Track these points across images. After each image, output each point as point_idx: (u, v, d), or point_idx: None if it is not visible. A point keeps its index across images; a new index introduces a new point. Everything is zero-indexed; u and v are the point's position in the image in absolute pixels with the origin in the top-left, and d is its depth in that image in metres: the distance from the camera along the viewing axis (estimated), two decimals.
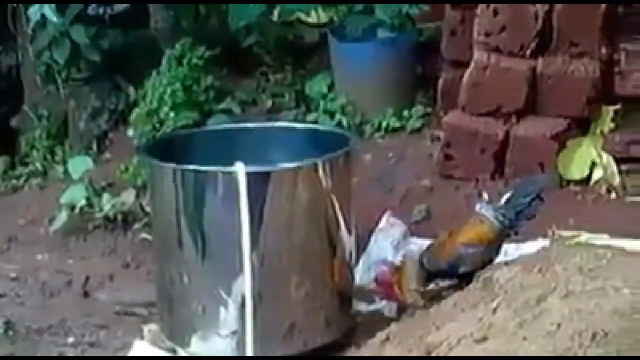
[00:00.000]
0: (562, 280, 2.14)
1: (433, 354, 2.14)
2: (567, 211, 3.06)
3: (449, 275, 2.65)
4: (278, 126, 3.09)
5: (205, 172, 2.61)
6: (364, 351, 2.48)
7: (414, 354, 2.24)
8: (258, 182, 2.57)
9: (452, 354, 2.05)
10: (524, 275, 2.27)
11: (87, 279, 3.37)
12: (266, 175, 2.60)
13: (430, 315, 2.42)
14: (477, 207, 2.67)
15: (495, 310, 2.08)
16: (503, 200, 2.70)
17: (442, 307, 2.40)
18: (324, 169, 2.63)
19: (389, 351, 2.36)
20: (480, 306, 2.23)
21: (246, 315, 2.56)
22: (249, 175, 2.53)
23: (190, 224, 2.65)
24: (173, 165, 2.64)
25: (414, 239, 3.15)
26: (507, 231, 2.64)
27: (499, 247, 2.64)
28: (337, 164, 2.69)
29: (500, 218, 2.61)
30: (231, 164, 2.67)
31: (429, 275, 2.68)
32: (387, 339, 2.44)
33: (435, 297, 2.71)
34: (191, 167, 2.62)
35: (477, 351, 1.94)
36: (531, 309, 2.00)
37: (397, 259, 2.95)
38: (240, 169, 2.53)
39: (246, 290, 2.58)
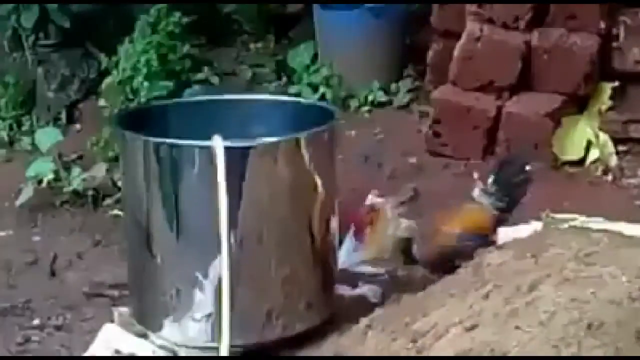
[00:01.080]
0: (557, 266, 2.09)
1: (419, 342, 2.11)
2: (561, 193, 3.03)
3: (440, 267, 2.60)
4: (259, 99, 3.02)
5: (181, 146, 2.54)
6: (346, 338, 2.42)
7: (399, 341, 2.19)
8: (237, 158, 2.50)
9: (439, 342, 2.01)
10: (516, 261, 2.22)
11: (54, 257, 3.30)
12: (245, 150, 2.53)
13: (417, 300, 2.36)
14: (475, 192, 2.61)
15: (486, 296, 2.04)
16: (489, 182, 2.64)
17: (429, 292, 2.36)
18: (307, 145, 2.55)
19: (372, 338, 2.32)
20: (470, 292, 2.19)
21: (222, 297, 2.50)
22: (227, 150, 2.47)
23: (165, 200, 2.57)
24: (148, 138, 2.58)
25: (401, 220, 3.12)
26: (504, 217, 2.59)
27: (493, 233, 2.60)
28: (321, 139, 2.62)
29: (499, 204, 2.56)
30: (208, 138, 2.58)
31: (412, 262, 2.63)
32: (370, 325, 2.40)
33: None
34: (166, 140, 2.56)
35: (466, 339, 1.90)
36: (523, 296, 1.96)
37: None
38: (218, 144, 2.47)
39: (223, 272, 2.52)
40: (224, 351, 2.46)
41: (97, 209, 3.51)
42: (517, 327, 1.82)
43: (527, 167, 2.62)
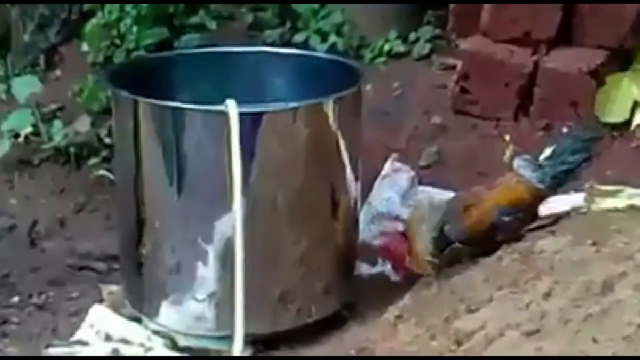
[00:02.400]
0: (626, 259, 1.85)
1: (465, 345, 1.86)
2: (603, 160, 2.74)
3: (480, 245, 2.34)
4: (268, 51, 2.71)
5: (188, 110, 2.26)
6: (372, 330, 2.18)
7: (439, 340, 1.94)
8: (251, 124, 2.22)
9: (491, 348, 1.75)
10: (574, 248, 1.97)
11: (33, 223, 3.03)
12: (261, 116, 2.26)
13: (456, 289, 2.11)
14: (516, 163, 2.35)
15: (547, 294, 1.78)
16: (544, 155, 2.37)
17: (468, 279, 2.10)
18: (331, 109, 2.29)
19: (404, 333, 2.07)
20: (521, 285, 1.93)
21: (236, 276, 2.19)
22: (241, 116, 2.19)
23: (166, 158, 2.29)
24: (149, 100, 2.29)
25: (423, 188, 2.85)
26: (548, 194, 2.34)
27: (536, 214, 2.34)
28: (346, 103, 2.35)
29: (547, 181, 2.29)
30: (210, 95, 2.36)
31: (449, 244, 2.38)
32: (401, 316, 2.15)
33: (451, 262, 2.43)
34: (171, 104, 2.28)
35: (529, 349, 1.64)
36: (596, 298, 1.70)
37: (404, 212, 2.66)
38: (232, 109, 2.19)
39: (237, 248, 2.23)
40: (237, 344, 2.21)
41: (81, 169, 3.21)
42: (594, 341, 1.56)
43: (584, 154, 2.34)
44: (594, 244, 1.96)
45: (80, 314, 2.58)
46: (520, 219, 2.33)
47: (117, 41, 3.48)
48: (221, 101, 2.24)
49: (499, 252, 2.16)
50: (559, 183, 2.31)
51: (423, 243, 2.39)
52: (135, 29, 3.41)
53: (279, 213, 2.32)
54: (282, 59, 2.62)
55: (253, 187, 2.26)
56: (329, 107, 2.30)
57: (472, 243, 2.35)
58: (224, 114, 2.20)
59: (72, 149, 3.20)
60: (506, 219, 2.32)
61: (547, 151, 2.39)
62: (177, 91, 2.52)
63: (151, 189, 2.36)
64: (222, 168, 2.22)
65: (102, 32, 3.49)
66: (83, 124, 3.31)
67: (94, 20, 3.52)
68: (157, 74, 2.54)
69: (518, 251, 2.08)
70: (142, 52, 3.41)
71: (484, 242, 2.31)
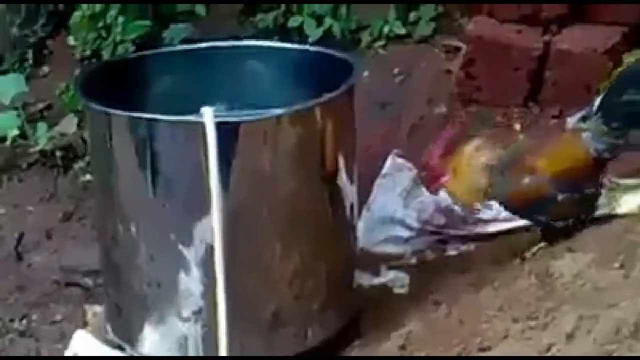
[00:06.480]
0: None
1: None
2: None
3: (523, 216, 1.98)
4: (254, 46, 2.36)
5: (160, 121, 1.94)
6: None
7: None
8: (230, 134, 1.90)
9: None
10: (599, 272, 1.64)
11: (21, 235, 2.73)
12: (239, 125, 1.92)
13: (466, 315, 1.79)
14: (570, 123, 1.97)
15: (570, 335, 1.46)
16: (595, 105, 1.90)
17: (479, 304, 1.78)
18: (318, 113, 1.96)
19: None
20: (541, 317, 1.61)
21: (217, 289, 1.90)
22: (219, 125, 1.86)
23: (141, 169, 1.98)
24: (123, 113, 1.97)
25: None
26: (611, 156, 1.91)
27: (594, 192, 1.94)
28: (336, 103, 2.01)
29: (608, 139, 1.86)
30: (190, 96, 2.09)
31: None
32: (404, 347, 1.83)
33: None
34: (144, 115, 1.96)
35: None
36: (628, 343, 1.38)
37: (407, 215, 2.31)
38: (208, 119, 1.86)
39: (217, 268, 1.93)
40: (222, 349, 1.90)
41: (68, 173, 2.91)
42: None
43: None
44: (621, 266, 1.63)
45: (64, 339, 2.29)
46: (578, 199, 1.91)
47: (104, 33, 3.17)
48: (203, 102, 1.93)
49: (515, 272, 1.83)
50: (619, 136, 1.88)
51: (477, 173, 1.99)
52: (121, 19, 3.09)
53: (266, 226, 2.01)
54: (268, 54, 2.27)
55: (235, 200, 1.95)
56: (316, 112, 1.97)
57: (512, 210, 2.01)
58: (200, 124, 1.88)
59: (58, 153, 2.92)
60: (562, 196, 1.92)
61: (596, 102, 1.92)
62: (154, 95, 2.20)
63: (127, 197, 2.05)
64: (201, 178, 1.91)
65: (88, 24, 3.16)
66: (69, 125, 2.99)
67: (79, 12, 3.20)
68: (133, 76, 2.21)
69: (535, 272, 1.74)
70: (128, 45, 3.11)
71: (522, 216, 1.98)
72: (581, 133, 1.94)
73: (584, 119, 1.97)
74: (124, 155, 2.03)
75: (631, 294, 1.54)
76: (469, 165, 2.03)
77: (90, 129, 2.19)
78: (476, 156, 2.04)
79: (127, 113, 1.99)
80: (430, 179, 2.13)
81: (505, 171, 2.00)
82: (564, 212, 1.93)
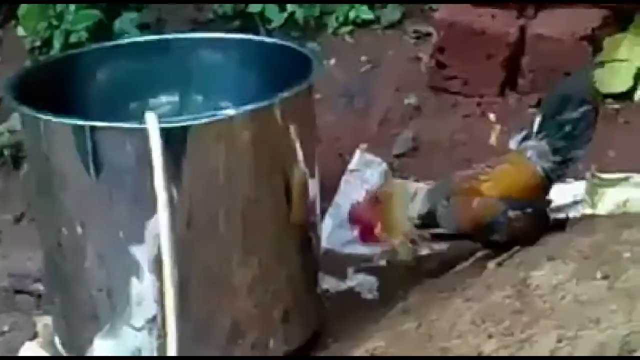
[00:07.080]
0: None
1: None
2: (604, 139, 2.24)
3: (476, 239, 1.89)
4: (206, 38, 2.17)
5: (98, 128, 1.76)
6: None
7: None
8: (176, 139, 1.74)
9: None
10: (581, 283, 1.49)
11: None
12: (186, 130, 1.75)
13: (436, 330, 1.63)
14: (513, 142, 1.89)
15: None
16: (536, 125, 1.87)
17: (453, 319, 1.62)
18: (277, 111, 1.80)
19: None
20: (517, 334, 1.46)
21: (166, 298, 1.75)
22: (164, 131, 1.70)
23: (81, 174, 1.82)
24: (58, 120, 1.80)
25: (398, 181, 2.35)
26: (559, 174, 1.88)
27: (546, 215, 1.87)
28: (293, 101, 1.83)
29: (552, 158, 1.82)
30: (138, 98, 1.96)
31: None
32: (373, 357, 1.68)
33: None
34: (80, 122, 1.77)
35: None
36: None
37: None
38: (152, 125, 1.69)
39: (166, 279, 1.78)
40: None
41: (19, 171, 2.74)
42: None
43: (586, 105, 1.88)
44: (605, 277, 1.48)
45: (12, 352, 2.11)
46: (529, 216, 1.85)
47: (55, 22, 2.99)
48: (155, 92, 1.82)
49: (489, 279, 1.68)
50: (564, 155, 1.85)
51: (405, 212, 1.94)
52: (72, 7, 2.90)
53: (222, 230, 1.85)
54: (222, 48, 2.09)
55: (185, 205, 1.79)
56: (272, 111, 1.80)
57: (462, 235, 1.92)
58: (144, 131, 1.72)
59: (6, 152, 2.74)
60: (512, 214, 1.84)
61: (536, 122, 1.88)
62: (97, 94, 2.04)
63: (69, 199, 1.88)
64: (148, 179, 1.75)
65: (38, 13, 2.97)
66: (18, 122, 2.84)
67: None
68: (75, 76, 2.04)
69: (510, 282, 1.59)
70: (82, 34, 2.93)
71: (476, 240, 1.89)
72: (526, 152, 1.90)
73: (525, 139, 1.92)
74: (64, 160, 1.85)
75: (616, 307, 1.40)
76: (401, 195, 1.98)
77: (25, 130, 2.03)
78: (408, 186, 2.04)
79: (63, 120, 1.81)
80: (361, 232, 2.06)
81: (451, 196, 1.92)
82: (518, 228, 1.85)
